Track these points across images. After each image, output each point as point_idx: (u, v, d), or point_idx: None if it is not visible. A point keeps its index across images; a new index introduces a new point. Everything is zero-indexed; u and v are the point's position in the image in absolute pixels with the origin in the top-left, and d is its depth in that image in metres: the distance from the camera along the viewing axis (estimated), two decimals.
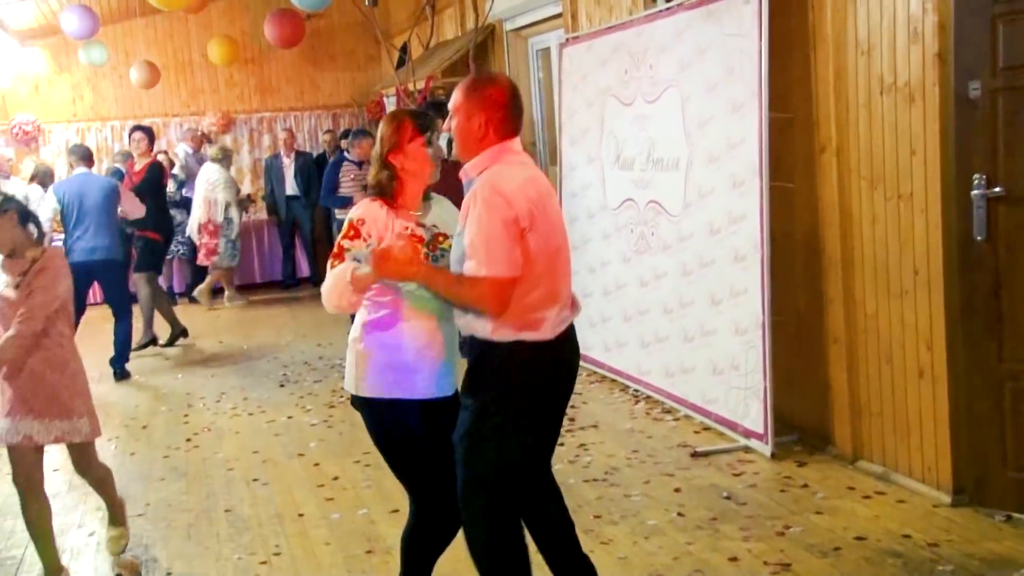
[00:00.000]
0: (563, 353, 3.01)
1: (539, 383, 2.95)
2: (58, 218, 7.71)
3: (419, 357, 3.09)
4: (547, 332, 2.92)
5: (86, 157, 7.80)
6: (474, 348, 2.97)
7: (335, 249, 3.03)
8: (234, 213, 10.75)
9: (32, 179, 10.53)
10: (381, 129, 3.16)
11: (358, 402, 3.20)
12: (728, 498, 4.34)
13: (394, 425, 3.15)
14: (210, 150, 11.37)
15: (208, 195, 10.69)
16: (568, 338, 3.02)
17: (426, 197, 3.22)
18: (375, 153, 3.18)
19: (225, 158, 11.09)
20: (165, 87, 12.54)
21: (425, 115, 3.25)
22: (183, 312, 10.41)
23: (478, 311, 2.87)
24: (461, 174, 3.05)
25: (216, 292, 11.46)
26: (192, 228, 10.82)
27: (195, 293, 11.01)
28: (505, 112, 2.94)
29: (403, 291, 3.02)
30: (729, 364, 5.04)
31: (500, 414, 2.93)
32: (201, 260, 10.91)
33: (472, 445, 2.95)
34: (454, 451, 3.02)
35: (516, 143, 2.99)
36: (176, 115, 12.79)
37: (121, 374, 7.71)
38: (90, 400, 4.07)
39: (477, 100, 2.93)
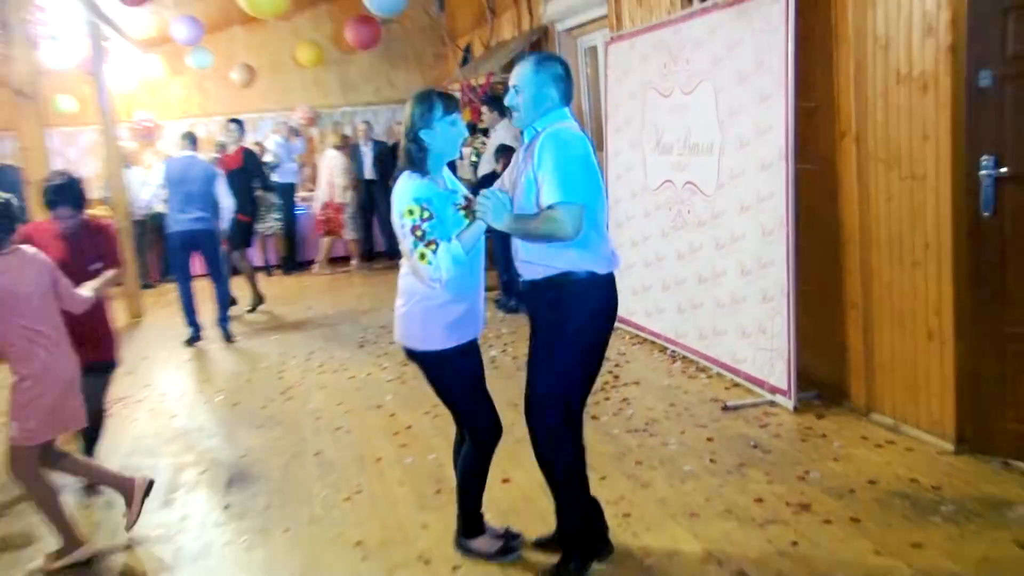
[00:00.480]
0: (614, 285, 3.19)
1: (607, 307, 3.16)
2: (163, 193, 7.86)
3: (474, 302, 3.23)
4: (612, 266, 3.15)
5: (193, 141, 7.92)
6: (549, 288, 3.10)
7: (418, 233, 2.99)
8: (348, 195, 11.04)
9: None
10: (411, 108, 3.14)
11: (433, 356, 3.22)
12: (755, 447, 4.33)
13: (463, 365, 3.27)
14: (331, 138, 11.65)
15: (329, 178, 11.06)
16: (613, 275, 3.20)
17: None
18: (404, 129, 3.15)
19: (345, 146, 11.35)
20: (260, 86, 12.68)
21: (452, 96, 3.27)
22: (275, 283, 10.64)
23: (556, 238, 2.95)
24: (525, 132, 3.16)
25: (309, 263, 11.73)
26: (316, 206, 11.26)
27: (353, 265, 11.44)
28: (566, 84, 3.13)
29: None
30: (757, 328, 5.01)
31: (582, 334, 3.09)
32: (336, 231, 11.30)
33: (553, 363, 3.12)
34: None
35: (569, 111, 3.16)
36: (270, 110, 12.92)
37: (226, 332, 7.80)
38: (23, 409, 3.66)
39: (546, 74, 3.10)
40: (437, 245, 2.99)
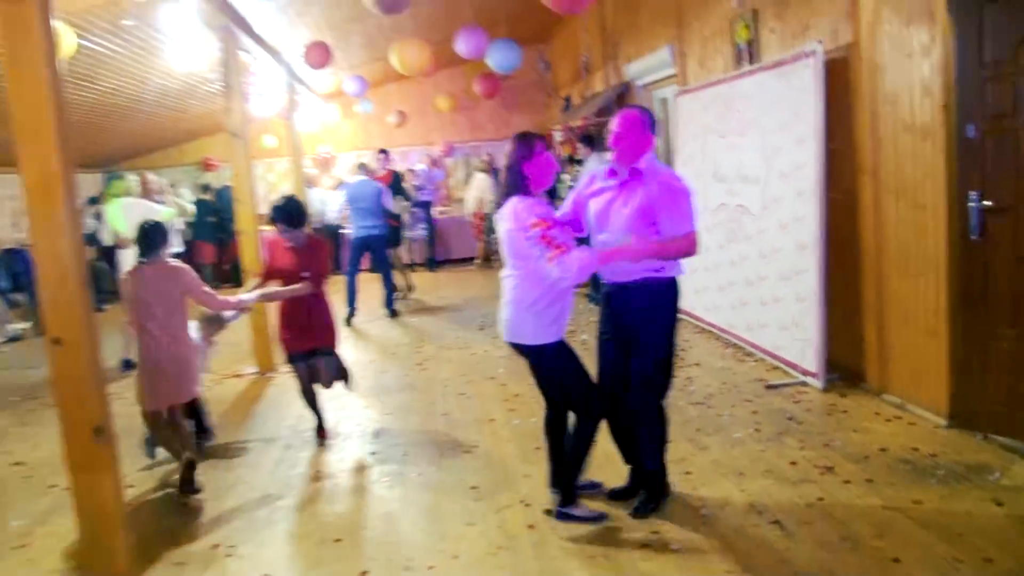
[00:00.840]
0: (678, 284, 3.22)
1: (678, 301, 3.19)
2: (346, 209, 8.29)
3: (569, 301, 3.14)
4: (682, 272, 3.20)
5: (364, 169, 8.32)
6: (641, 290, 3.11)
7: (547, 240, 2.87)
8: (492, 208, 11.26)
9: (336, 187, 11.39)
10: (513, 145, 3.05)
11: (541, 349, 3.09)
12: (791, 419, 4.30)
13: (566, 351, 3.15)
14: (477, 162, 11.98)
15: (476, 194, 11.32)
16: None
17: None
18: (508, 163, 3.05)
19: (488, 169, 11.54)
20: (410, 126, 13.10)
21: (544, 137, 3.19)
22: (417, 277, 10.74)
23: (683, 257, 3.03)
24: (620, 167, 3.14)
25: (444, 262, 12.01)
26: (467, 214, 11.61)
27: (477, 264, 11.76)
28: (655, 130, 3.17)
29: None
30: (792, 322, 5.01)
31: (670, 323, 3.17)
32: (475, 237, 11.71)
33: (656, 345, 3.15)
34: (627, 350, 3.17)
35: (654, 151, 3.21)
36: (416, 144, 13.30)
37: (392, 313, 8.10)
38: (138, 380, 3.89)
39: (648, 123, 3.12)
40: (566, 250, 2.85)
